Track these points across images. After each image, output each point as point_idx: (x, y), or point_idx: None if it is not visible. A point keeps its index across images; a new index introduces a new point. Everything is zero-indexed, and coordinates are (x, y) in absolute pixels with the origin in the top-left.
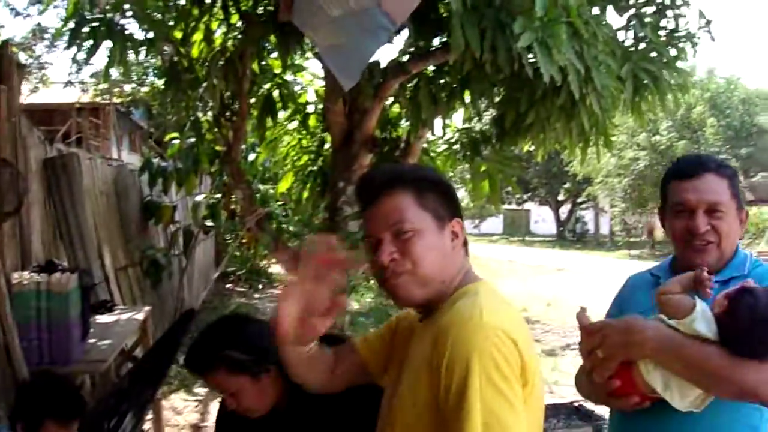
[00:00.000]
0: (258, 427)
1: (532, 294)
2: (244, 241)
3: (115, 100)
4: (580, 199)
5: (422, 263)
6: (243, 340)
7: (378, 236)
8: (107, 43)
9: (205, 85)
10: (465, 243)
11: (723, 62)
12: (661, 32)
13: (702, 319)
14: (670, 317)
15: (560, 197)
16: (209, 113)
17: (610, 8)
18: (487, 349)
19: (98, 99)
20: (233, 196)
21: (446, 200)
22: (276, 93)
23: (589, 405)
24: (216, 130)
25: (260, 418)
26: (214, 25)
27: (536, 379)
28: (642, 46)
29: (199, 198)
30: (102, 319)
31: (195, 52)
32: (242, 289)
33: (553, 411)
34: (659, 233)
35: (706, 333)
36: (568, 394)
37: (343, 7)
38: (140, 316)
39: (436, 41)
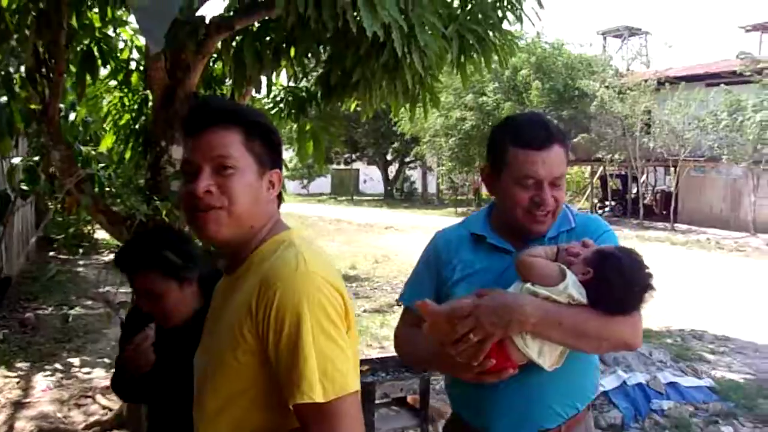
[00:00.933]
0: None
1: (360, 252)
2: (65, 205)
3: None
4: (408, 159)
5: (237, 202)
6: (178, 247)
7: (198, 164)
8: None
9: (16, 37)
10: (279, 196)
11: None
12: None
13: (573, 285)
14: (536, 283)
15: (388, 157)
16: (22, 68)
17: None
18: (316, 296)
19: None
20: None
21: (271, 148)
22: (96, 48)
23: None
24: (30, 86)
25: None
26: None
27: (354, 324)
28: (468, 7)
29: (16, 161)
30: None
31: (4, 1)
32: (65, 257)
33: (381, 364)
34: (485, 191)
35: (579, 297)
36: None
37: None
38: None
39: None
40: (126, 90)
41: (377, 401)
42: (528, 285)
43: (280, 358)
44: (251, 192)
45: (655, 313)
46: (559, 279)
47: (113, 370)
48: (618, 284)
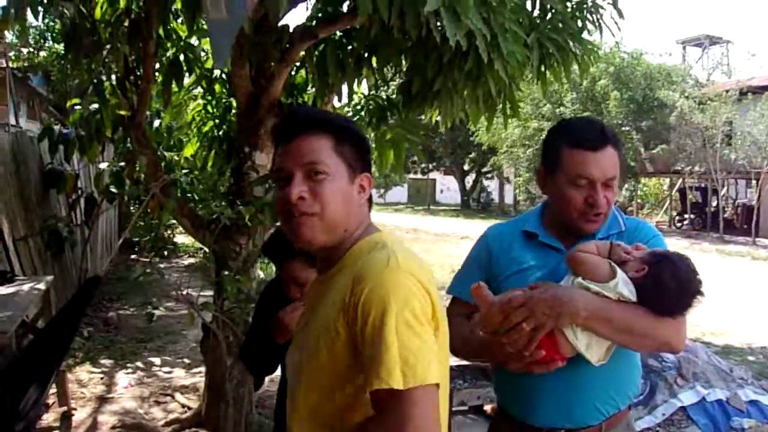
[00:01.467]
0: None
1: (436, 261)
2: (148, 210)
3: (11, 64)
4: (484, 169)
5: (330, 207)
6: None
7: (290, 171)
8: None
9: (108, 47)
10: (370, 199)
11: (628, 37)
12: (568, 3)
13: (623, 283)
14: (588, 279)
15: (465, 167)
16: (113, 77)
17: None
18: (402, 291)
19: None
20: (137, 162)
21: (360, 153)
22: (181, 57)
23: None
24: (120, 94)
25: None
26: None
27: (444, 325)
28: (549, 16)
29: (103, 166)
30: (1, 290)
31: (98, 13)
32: (147, 259)
33: (459, 372)
34: None
35: (628, 296)
36: None
37: None
38: (41, 286)
39: (344, 6)
40: (209, 97)
41: (454, 408)
42: (579, 279)
43: (365, 348)
44: (343, 196)
45: (737, 329)
46: (609, 276)
47: (192, 371)
48: (671, 286)
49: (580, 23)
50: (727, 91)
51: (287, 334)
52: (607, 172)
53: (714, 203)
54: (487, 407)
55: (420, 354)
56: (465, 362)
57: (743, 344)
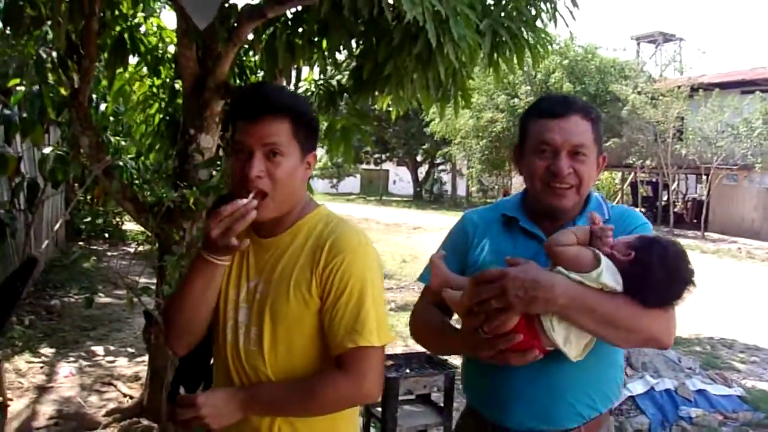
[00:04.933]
0: None
1: (388, 251)
2: (94, 194)
3: None
4: (437, 160)
5: (282, 186)
6: None
7: (251, 148)
8: None
9: (49, 24)
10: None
11: (583, 31)
12: None
13: (607, 272)
14: (569, 270)
15: (418, 158)
16: (54, 54)
17: None
18: (374, 265)
19: None
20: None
21: (312, 134)
22: (126, 36)
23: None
24: (61, 72)
25: None
26: None
27: None
28: (503, 2)
29: (47, 150)
30: None
31: None
32: (95, 247)
33: (406, 360)
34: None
35: (614, 285)
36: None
37: None
38: None
39: None
40: (156, 79)
41: (401, 397)
42: (559, 268)
43: (343, 312)
44: (294, 176)
45: (685, 320)
46: (593, 265)
47: (136, 359)
48: (660, 272)
49: (534, 11)
50: (679, 87)
51: None
52: (571, 138)
53: (665, 197)
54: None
55: (386, 318)
56: (411, 351)
57: (691, 335)
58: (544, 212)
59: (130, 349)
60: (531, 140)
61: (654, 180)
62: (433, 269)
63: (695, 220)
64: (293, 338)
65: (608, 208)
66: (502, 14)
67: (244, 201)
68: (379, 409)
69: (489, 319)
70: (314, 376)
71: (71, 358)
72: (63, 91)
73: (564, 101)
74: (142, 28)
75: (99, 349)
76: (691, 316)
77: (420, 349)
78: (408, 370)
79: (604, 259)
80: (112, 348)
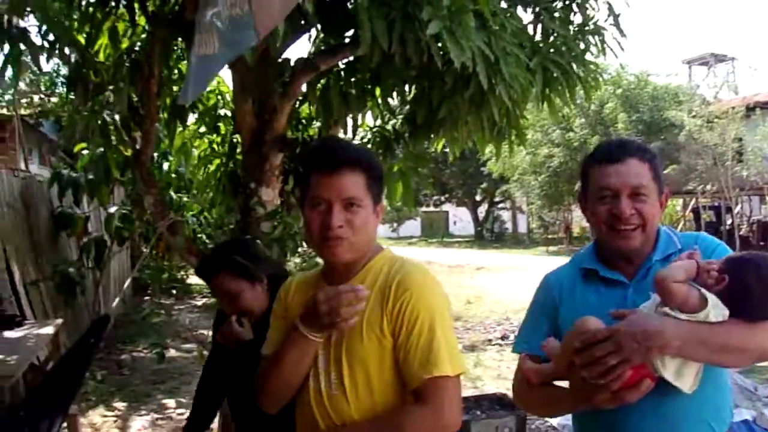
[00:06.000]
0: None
1: (452, 293)
2: (158, 250)
3: (23, 111)
4: (496, 199)
5: (359, 234)
6: (246, 250)
7: (330, 201)
8: (6, 48)
9: (111, 88)
10: None
11: (634, 59)
12: (570, 26)
13: (714, 310)
14: (675, 308)
15: (477, 197)
16: (116, 117)
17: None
18: (441, 299)
19: (3, 111)
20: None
21: (380, 186)
22: None
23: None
24: (124, 134)
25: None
26: (121, 26)
27: None
28: (551, 39)
29: (112, 209)
30: (9, 334)
31: (101, 56)
32: (161, 301)
33: (476, 402)
34: (576, 229)
35: (721, 320)
36: (491, 388)
37: (222, 14)
38: (50, 329)
39: (345, 38)
40: (215, 135)
41: None
42: (666, 309)
43: (416, 345)
44: (369, 225)
45: None
46: (701, 306)
47: None
48: (759, 288)
49: (582, 45)
50: (734, 108)
51: (231, 342)
52: (630, 180)
53: (729, 221)
54: None
55: (457, 348)
56: (480, 393)
57: (765, 363)
58: (617, 256)
59: None
60: (592, 187)
61: (716, 204)
62: (534, 368)
63: (762, 243)
64: (372, 378)
65: (678, 238)
66: (552, 51)
67: (360, 287)
68: None
69: (606, 373)
70: (395, 412)
71: (143, 412)
72: (126, 152)
73: (619, 145)
74: None
75: (170, 402)
76: None
77: (489, 390)
78: (479, 412)
79: (710, 297)
80: (183, 401)
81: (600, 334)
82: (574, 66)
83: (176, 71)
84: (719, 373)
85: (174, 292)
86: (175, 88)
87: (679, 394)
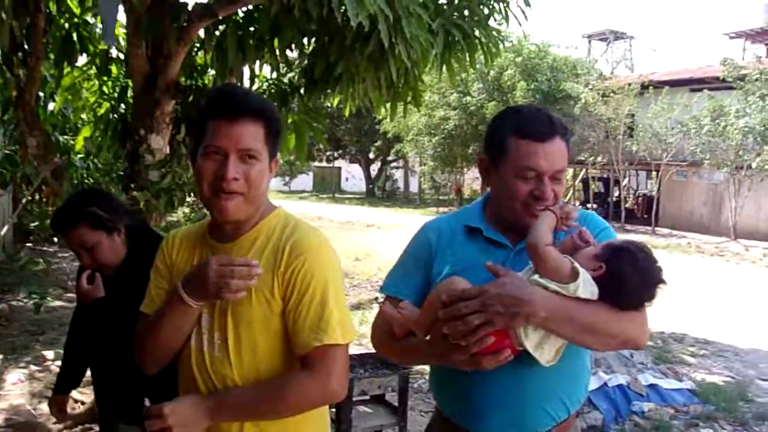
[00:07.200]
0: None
1: (340, 249)
2: (42, 195)
3: None
4: (390, 158)
5: (254, 189)
6: (102, 202)
7: (226, 151)
8: None
9: None
10: None
11: (535, 30)
12: None
13: (584, 285)
14: (548, 277)
15: (371, 155)
16: None
17: None
18: (335, 265)
19: None
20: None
21: (278, 140)
22: (74, 35)
23: None
24: (6, 71)
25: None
26: None
27: None
28: (455, 2)
29: None
30: None
31: None
32: (44, 248)
33: (360, 360)
34: (467, 191)
35: (589, 297)
36: None
37: None
38: None
39: None
40: (105, 78)
41: (354, 398)
42: (537, 277)
43: (307, 311)
44: (264, 179)
45: None
46: (571, 278)
47: None
48: (634, 279)
49: (486, 11)
50: (630, 85)
51: (87, 296)
52: (556, 163)
53: (616, 193)
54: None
55: (348, 316)
56: (365, 351)
57: None
58: (513, 227)
59: None
60: (512, 161)
61: (605, 176)
62: (399, 318)
63: (646, 216)
64: (257, 342)
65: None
66: (455, 14)
67: (254, 262)
68: (334, 410)
69: (468, 334)
70: (280, 378)
71: (21, 364)
72: (9, 91)
73: (549, 123)
74: (91, 28)
75: (49, 354)
76: None
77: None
78: (362, 371)
79: (582, 271)
80: (62, 352)
81: (468, 292)
82: (477, 31)
83: (64, 6)
84: (581, 355)
85: (56, 239)
86: (66, 25)
87: (536, 367)
